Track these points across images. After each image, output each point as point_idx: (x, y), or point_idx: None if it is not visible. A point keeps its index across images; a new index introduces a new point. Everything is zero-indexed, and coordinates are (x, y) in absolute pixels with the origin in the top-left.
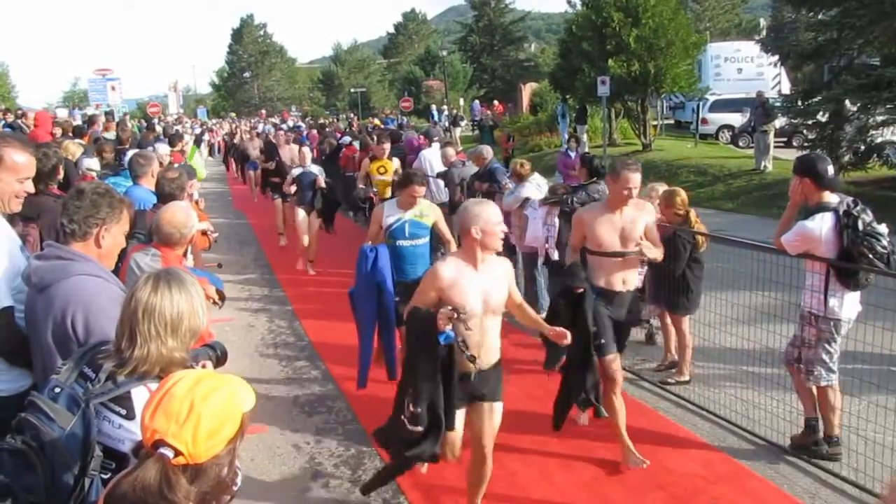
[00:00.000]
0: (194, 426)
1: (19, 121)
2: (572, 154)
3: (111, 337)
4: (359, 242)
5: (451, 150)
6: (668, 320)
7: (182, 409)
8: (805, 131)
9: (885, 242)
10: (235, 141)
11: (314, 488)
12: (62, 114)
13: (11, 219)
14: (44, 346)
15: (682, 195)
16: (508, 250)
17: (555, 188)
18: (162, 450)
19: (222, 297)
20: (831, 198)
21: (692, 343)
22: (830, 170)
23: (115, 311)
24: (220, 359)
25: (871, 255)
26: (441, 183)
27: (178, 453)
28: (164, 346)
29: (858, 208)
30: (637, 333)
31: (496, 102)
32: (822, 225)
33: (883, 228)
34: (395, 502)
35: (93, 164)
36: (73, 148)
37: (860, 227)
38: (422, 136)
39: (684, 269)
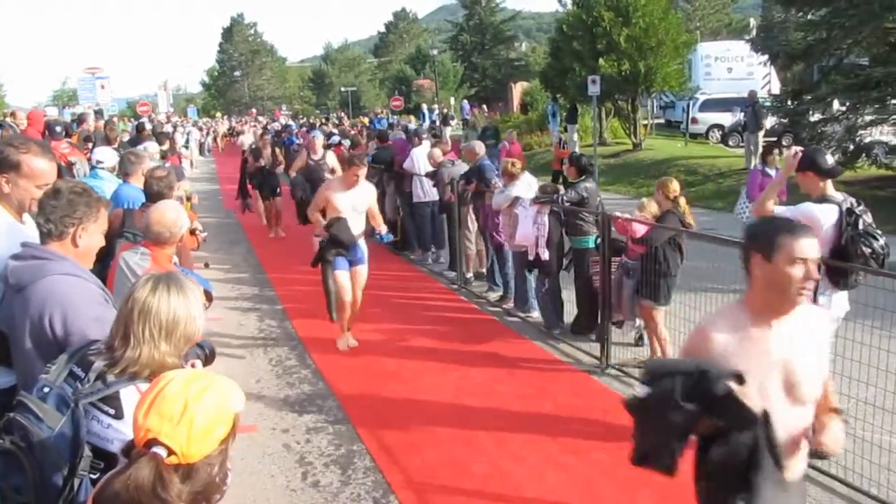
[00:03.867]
0: (188, 426)
1: (8, 119)
2: (771, 172)
3: (89, 336)
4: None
5: (438, 151)
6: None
7: (175, 408)
8: (793, 130)
9: (882, 242)
10: (262, 162)
11: (304, 488)
12: (52, 112)
13: None
14: (23, 347)
15: (674, 184)
16: (497, 248)
17: (544, 187)
18: (155, 449)
19: (210, 299)
20: (836, 194)
21: (669, 337)
22: (829, 159)
23: (94, 310)
24: (208, 358)
25: (868, 254)
26: (430, 182)
27: (171, 452)
28: (156, 349)
29: (861, 208)
30: (626, 335)
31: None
32: (828, 216)
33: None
34: (385, 501)
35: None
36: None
37: (860, 226)
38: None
39: (664, 250)
